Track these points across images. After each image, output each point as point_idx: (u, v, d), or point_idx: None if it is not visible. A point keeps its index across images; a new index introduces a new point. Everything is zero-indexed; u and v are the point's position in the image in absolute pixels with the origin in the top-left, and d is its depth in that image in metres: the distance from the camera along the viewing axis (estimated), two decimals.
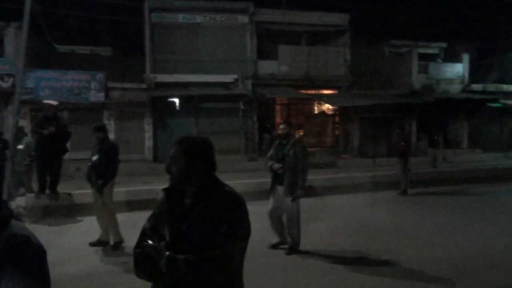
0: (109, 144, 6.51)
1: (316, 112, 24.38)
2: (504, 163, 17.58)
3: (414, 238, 6.74)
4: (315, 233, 7.14)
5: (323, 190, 10.96)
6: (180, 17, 18.97)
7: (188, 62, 18.61)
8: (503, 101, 22.21)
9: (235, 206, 1.97)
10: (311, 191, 9.41)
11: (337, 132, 21.70)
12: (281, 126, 6.34)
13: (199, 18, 19.11)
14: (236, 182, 8.21)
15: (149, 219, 2.05)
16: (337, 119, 21.72)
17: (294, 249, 6.11)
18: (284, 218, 6.27)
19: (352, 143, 21.05)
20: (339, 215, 8.75)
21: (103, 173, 6.28)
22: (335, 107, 21.08)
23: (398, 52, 23.32)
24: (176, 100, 18.52)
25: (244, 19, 19.44)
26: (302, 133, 23.75)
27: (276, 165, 6.04)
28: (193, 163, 1.97)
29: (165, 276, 1.85)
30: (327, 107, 22.37)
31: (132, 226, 6.86)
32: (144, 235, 2.01)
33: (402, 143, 11.71)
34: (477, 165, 16.90)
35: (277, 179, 6.13)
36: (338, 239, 6.74)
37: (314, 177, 11.99)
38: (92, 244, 6.37)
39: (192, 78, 18.18)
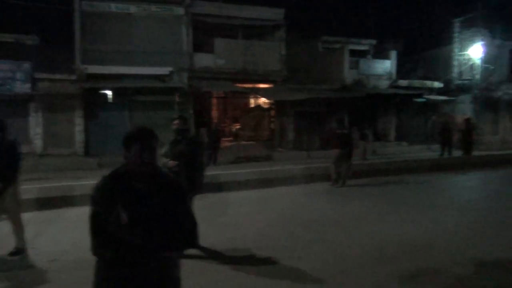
0: (5, 143, 5.66)
1: (252, 105, 24.65)
2: (428, 155, 18.83)
3: (344, 227, 7.04)
4: (253, 224, 7.27)
5: (258, 183, 11.11)
6: (113, 6, 18.34)
7: (121, 53, 18.05)
8: (427, 96, 23.71)
9: (182, 187, 2.37)
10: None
11: (272, 126, 22.05)
12: (175, 122, 5.81)
13: (132, 8, 18.59)
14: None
15: (99, 204, 2.18)
16: (272, 113, 22.07)
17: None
18: None
19: (287, 136, 21.48)
20: (275, 206, 8.94)
21: (2, 176, 5.53)
22: (271, 101, 21.40)
23: (331, 48, 24.04)
24: (109, 93, 17.95)
25: (179, 10, 19.17)
26: (238, 127, 23.94)
27: (172, 163, 5.50)
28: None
29: (133, 250, 2.10)
30: (263, 101, 22.67)
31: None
32: (99, 218, 2.15)
33: (347, 137, 12.11)
34: (404, 156, 17.94)
35: None
36: (273, 230, 6.88)
37: (250, 170, 12.18)
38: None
39: (125, 70, 17.69)
